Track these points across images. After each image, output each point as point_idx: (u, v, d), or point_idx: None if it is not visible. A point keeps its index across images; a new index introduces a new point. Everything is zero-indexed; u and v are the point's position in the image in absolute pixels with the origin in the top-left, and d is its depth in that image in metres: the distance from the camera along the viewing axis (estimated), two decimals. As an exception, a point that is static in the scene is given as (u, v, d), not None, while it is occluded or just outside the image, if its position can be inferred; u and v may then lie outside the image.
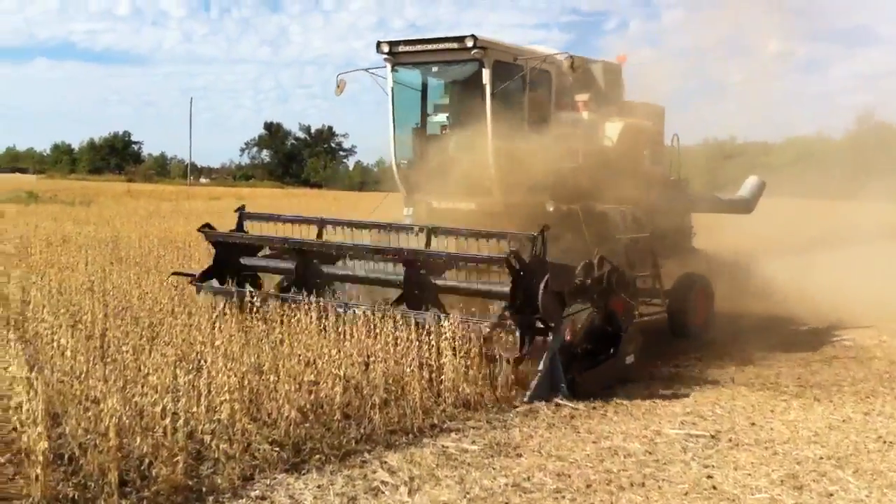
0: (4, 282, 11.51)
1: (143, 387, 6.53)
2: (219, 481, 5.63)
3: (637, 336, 9.31)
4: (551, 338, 8.17)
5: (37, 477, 5.22)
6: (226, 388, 6.38)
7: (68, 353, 7.48)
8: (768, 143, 31.22)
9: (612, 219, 11.13)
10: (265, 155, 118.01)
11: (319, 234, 10.51)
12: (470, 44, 10.61)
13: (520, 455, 6.52)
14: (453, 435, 6.92)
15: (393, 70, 11.82)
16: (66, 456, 5.68)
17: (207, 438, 5.96)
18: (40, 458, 5.26)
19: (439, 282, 9.11)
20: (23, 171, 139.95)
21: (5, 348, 7.74)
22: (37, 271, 12.19)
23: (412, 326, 8.10)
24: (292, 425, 6.38)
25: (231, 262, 10.62)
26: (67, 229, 20.46)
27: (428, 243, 9.76)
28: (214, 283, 10.44)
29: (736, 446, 6.99)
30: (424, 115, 12.20)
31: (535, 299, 8.04)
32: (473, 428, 7.13)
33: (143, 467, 5.64)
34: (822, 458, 6.72)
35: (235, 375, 6.63)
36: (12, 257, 14.88)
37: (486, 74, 10.80)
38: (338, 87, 11.93)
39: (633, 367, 9.16)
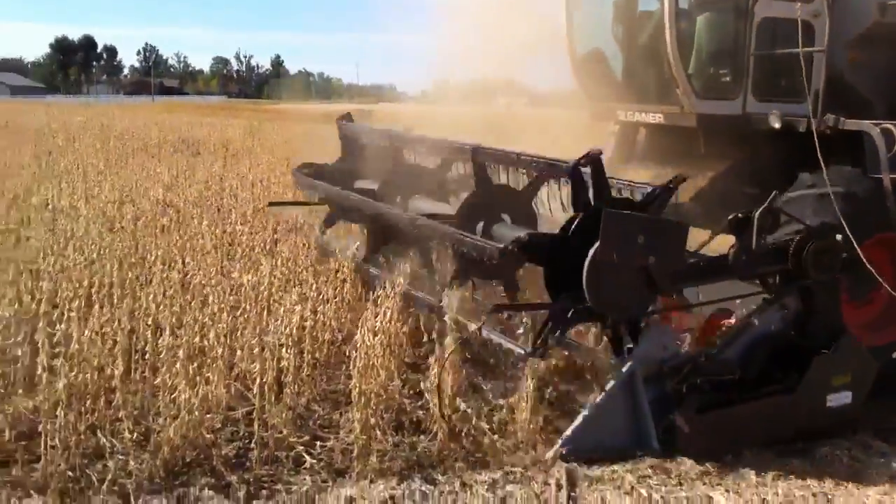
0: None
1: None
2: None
3: (864, 360, 5.45)
4: (628, 350, 4.93)
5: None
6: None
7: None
8: None
9: (870, 144, 6.29)
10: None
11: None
12: None
13: None
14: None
15: None
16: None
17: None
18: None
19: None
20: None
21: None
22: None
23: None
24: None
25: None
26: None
27: (480, 180, 6.53)
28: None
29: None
30: None
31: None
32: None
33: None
34: None
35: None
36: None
37: None
38: None
39: (852, 413, 5.38)
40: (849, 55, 6.98)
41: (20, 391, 4.94)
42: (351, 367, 5.04)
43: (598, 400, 4.80)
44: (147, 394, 5.03)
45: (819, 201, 5.86)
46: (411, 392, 5.42)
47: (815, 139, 6.08)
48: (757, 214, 5.05)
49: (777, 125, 6.70)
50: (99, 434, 4.59)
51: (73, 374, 4.74)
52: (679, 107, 7.04)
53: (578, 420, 4.74)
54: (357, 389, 4.72)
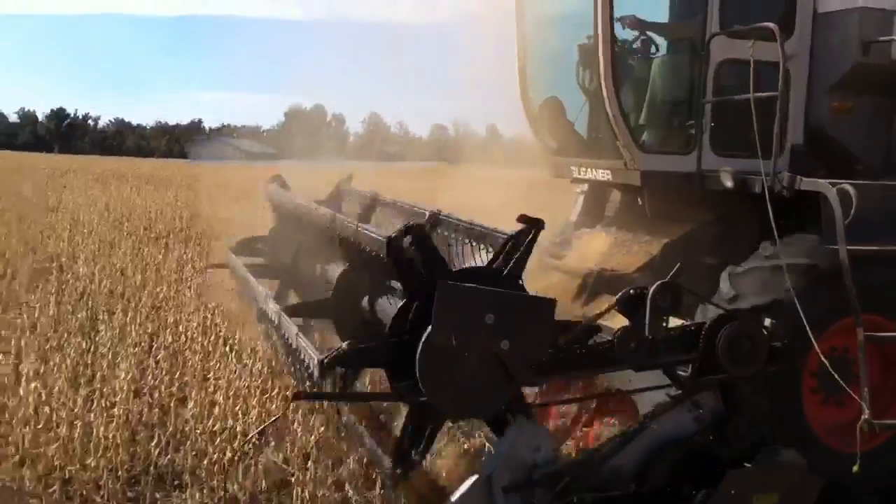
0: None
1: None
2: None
3: (800, 477, 4.13)
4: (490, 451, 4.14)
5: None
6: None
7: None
8: None
9: (826, 208, 5.17)
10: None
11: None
12: None
13: None
14: None
15: None
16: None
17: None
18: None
19: None
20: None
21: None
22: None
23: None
24: None
25: None
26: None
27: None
28: None
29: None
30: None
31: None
32: None
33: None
34: None
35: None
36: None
37: None
38: None
39: None
40: (831, 104, 6.06)
41: (273, 443, 5.32)
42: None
43: None
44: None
45: (761, 279, 5.05)
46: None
47: (768, 201, 5.11)
48: (652, 291, 3.93)
49: (729, 184, 5.73)
50: (347, 487, 4.86)
51: (322, 429, 5.11)
52: (622, 162, 6.12)
53: None
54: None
